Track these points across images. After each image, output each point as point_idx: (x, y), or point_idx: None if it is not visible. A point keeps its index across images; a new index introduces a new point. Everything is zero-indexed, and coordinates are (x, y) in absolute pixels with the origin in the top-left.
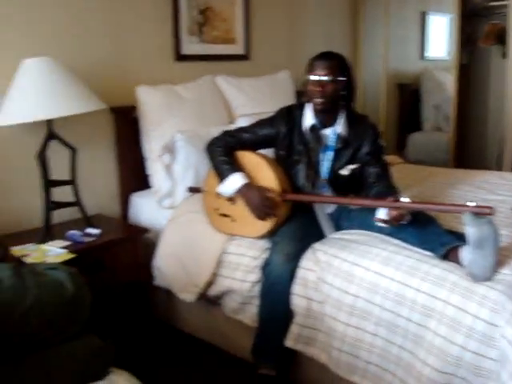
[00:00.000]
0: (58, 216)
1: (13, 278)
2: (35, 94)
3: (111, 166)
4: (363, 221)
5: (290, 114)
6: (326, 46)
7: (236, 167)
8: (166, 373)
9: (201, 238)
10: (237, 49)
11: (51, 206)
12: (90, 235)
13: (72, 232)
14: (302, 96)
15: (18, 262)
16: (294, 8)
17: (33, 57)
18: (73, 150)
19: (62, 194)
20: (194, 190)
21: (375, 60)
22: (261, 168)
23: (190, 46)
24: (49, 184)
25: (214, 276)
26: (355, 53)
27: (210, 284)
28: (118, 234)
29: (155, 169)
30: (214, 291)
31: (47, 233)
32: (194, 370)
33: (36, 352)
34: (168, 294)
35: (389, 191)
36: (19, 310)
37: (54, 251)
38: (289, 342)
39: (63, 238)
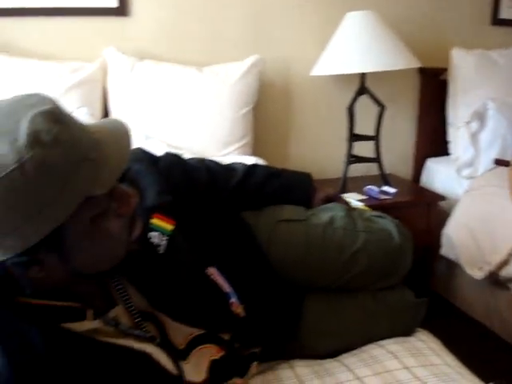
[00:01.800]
0: (354, 170)
1: (345, 219)
2: (353, 47)
3: (410, 127)
4: None
5: None
6: None
7: None
8: None
9: (501, 215)
10: None
11: (352, 159)
12: (385, 193)
13: (370, 187)
14: None
15: (347, 205)
16: None
17: (356, 10)
18: (381, 107)
19: (358, 148)
20: (501, 162)
21: None
22: None
23: (509, 11)
24: (353, 138)
25: (510, 257)
26: None
27: (503, 264)
28: (412, 197)
29: (458, 135)
30: (506, 273)
31: (344, 184)
32: (464, 351)
33: (355, 294)
34: (450, 267)
35: None
36: (349, 250)
37: (353, 203)
38: None
39: (359, 191)
